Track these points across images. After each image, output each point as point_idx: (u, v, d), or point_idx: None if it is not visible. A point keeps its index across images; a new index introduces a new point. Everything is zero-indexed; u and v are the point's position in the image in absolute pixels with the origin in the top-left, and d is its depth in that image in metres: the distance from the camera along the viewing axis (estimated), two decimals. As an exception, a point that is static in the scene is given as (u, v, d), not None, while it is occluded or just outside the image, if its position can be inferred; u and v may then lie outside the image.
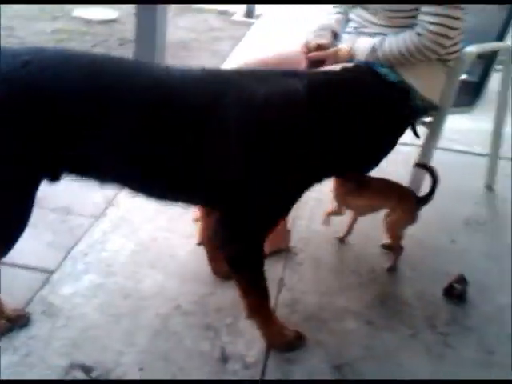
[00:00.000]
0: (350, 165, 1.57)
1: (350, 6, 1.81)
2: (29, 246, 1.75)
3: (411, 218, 1.82)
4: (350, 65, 1.60)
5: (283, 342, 1.50)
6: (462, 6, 1.62)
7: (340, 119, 1.43)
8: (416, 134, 1.63)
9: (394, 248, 1.88)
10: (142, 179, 1.37)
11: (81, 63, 1.29)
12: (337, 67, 1.58)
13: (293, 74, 1.45)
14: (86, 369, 1.37)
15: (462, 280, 1.77)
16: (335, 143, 1.44)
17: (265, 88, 1.36)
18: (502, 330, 1.64)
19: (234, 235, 1.41)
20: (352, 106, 1.45)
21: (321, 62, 1.74)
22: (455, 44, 1.71)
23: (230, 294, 1.67)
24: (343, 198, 1.84)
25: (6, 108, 1.17)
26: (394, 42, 1.65)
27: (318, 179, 1.52)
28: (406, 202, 1.81)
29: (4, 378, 1.33)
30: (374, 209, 1.87)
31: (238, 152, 1.32)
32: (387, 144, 1.62)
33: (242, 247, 1.41)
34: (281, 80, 1.40)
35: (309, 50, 1.77)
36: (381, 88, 1.60)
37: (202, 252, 1.72)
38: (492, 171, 2.42)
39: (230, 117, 1.31)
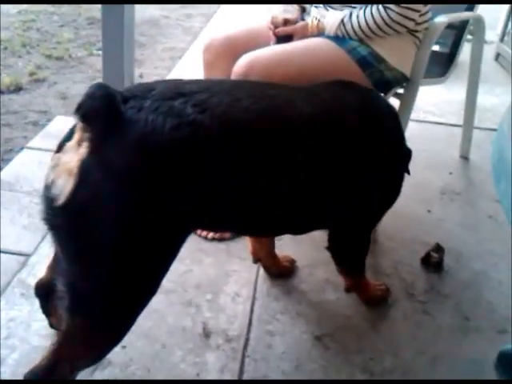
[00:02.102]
0: None
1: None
2: (4, 230, 1.73)
3: None
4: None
5: (379, 298, 1.61)
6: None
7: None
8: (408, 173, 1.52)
9: None
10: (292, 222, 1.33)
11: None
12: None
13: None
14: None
15: (438, 249, 1.80)
16: None
17: (379, 109, 1.39)
18: (478, 296, 1.68)
19: (348, 248, 1.51)
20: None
21: (289, 37, 1.73)
22: (424, 15, 1.71)
23: (208, 271, 1.68)
24: None
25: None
26: (362, 16, 1.64)
27: None
28: None
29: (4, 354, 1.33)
30: None
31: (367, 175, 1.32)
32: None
33: (356, 254, 1.53)
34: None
35: (276, 25, 1.75)
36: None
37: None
38: (467, 141, 2.44)
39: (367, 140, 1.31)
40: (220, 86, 1.15)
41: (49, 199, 0.99)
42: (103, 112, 0.96)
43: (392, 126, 1.43)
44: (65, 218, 0.98)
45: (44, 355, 1.07)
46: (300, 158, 1.19)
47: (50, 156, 1.04)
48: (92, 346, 1.09)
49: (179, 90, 1.06)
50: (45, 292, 1.25)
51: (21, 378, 1.25)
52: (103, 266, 1.00)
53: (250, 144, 1.11)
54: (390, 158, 1.37)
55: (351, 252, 1.53)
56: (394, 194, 1.47)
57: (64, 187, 0.96)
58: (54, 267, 1.19)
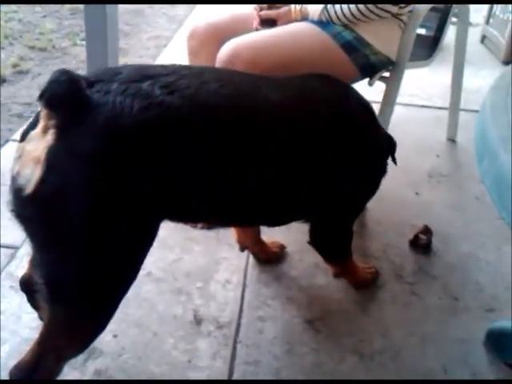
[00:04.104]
0: None
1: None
2: (-9, 223, 1.72)
3: None
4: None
5: (368, 280, 1.62)
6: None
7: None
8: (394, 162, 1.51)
9: None
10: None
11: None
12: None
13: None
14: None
15: (426, 231, 1.82)
16: None
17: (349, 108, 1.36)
18: (466, 277, 1.69)
19: (329, 241, 1.51)
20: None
21: (273, 21, 1.73)
22: (407, -2, 1.71)
23: (198, 259, 1.69)
24: None
25: None
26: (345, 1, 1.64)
27: None
28: None
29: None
30: None
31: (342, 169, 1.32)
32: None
33: (337, 246, 1.53)
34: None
35: (260, 8, 1.75)
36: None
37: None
38: (453, 124, 2.45)
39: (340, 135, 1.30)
40: (188, 70, 1.12)
41: (16, 190, 0.96)
42: (68, 97, 0.94)
43: (367, 119, 1.41)
44: (34, 208, 0.96)
45: (29, 349, 1.07)
46: (268, 147, 1.16)
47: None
48: (75, 335, 1.08)
49: (146, 73, 1.05)
50: (30, 286, 1.23)
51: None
52: (76, 252, 0.99)
53: (217, 129, 1.09)
54: (364, 151, 1.36)
55: (333, 244, 1.52)
56: (372, 187, 1.47)
57: (31, 176, 0.94)
58: (33, 261, 1.18)
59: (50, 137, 0.95)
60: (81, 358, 1.31)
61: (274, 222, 1.43)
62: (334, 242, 1.52)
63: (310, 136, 1.24)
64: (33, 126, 0.99)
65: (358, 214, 1.54)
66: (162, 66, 1.12)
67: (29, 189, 0.94)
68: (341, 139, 1.29)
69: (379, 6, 1.62)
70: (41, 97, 0.94)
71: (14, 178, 0.98)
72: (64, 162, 0.94)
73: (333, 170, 1.29)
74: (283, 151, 1.19)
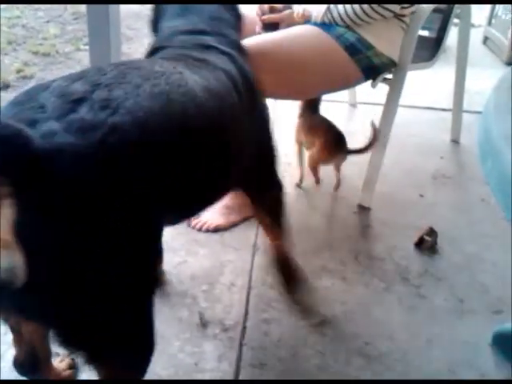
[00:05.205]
0: None
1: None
2: None
3: (325, 155, 1.97)
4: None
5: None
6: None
7: None
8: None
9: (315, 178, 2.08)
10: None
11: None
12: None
13: None
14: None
15: (431, 232, 1.81)
16: None
17: None
18: (472, 278, 1.69)
19: (274, 194, 1.50)
20: None
21: (275, 25, 1.73)
22: (409, -1, 1.72)
23: (203, 262, 1.69)
24: (298, 133, 2.07)
25: None
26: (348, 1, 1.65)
27: None
28: (326, 139, 1.95)
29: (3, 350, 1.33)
30: (311, 144, 2.03)
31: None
32: None
33: (281, 200, 1.52)
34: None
35: (263, 11, 1.75)
36: None
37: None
38: (457, 125, 2.46)
39: None
40: (106, 76, 0.94)
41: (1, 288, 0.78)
42: (18, 156, 0.74)
43: (252, 79, 1.34)
44: (31, 295, 0.80)
45: None
46: (211, 131, 1.08)
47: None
48: (133, 373, 1.02)
49: (73, 97, 0.86)
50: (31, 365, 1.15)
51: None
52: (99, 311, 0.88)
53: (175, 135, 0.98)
54: (261, 104, 1.35)
55: (278, 197, 1.50)
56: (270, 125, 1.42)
57: (13, 266, 0.74)
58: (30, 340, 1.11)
59: (8, 210, 0.74)
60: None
61: (211, 203, 1.35)
62: (278, 195, 1.50)
63: (233, 112, 1.18)
64: None
65: (276, 159, 1.49)
66: (80, 78, 0.92)
67: (18, 280, 0.75)
68: (246, 102, 1.24)
69: (381, 4, 1.62)
70: None
71: None
72: (40, 232, 0.78)
73: (250, 132, 1.26)
74: (219, 129, 1.13)
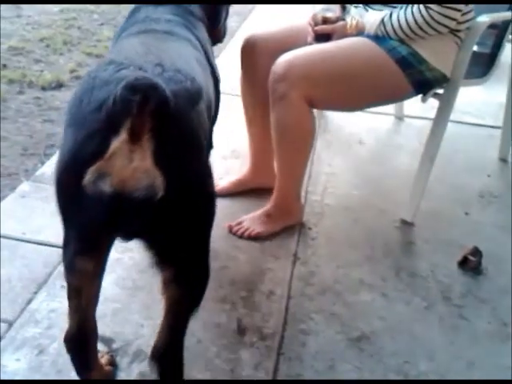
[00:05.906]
0: None
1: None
2: (46, 224, 1.78)
3: None
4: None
5: None
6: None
7: None
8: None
9: None
10: None
11: None
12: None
13: None
14: (106, 340, 1.39)
15: (476, 252, 1.77)
16: None
17: None
18: (517, 301, 1.65)
19: None
20: None
21: (327, 36, 1.73)
22: (466, 14, 1.69)
23: (243, 269, 1.69)
24: None
25: None
26: (403, 15, 1.63)
27: None
28: None
29: (28, 349, 1.36)
30: None
31: None
32: None
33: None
34: None
35: (315, 22, 1.75)
36: None
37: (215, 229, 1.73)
38: (505, 143, 2.40)
39: None
40: (149, 54, 1.18)
41: (132, 205, 0.92)
42: (159, 100, 0.91)
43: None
44: (166, 210, 0.96)
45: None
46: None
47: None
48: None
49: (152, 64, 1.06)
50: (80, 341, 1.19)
51: (61, 366, 1.29)
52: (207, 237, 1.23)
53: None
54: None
55: None
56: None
57: (152, 185, 0.92)
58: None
59: (146, 143, 0.91)
60: (127, 360, 1.35)
61: None
62: None
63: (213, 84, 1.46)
64: (105, 138, 0.92)
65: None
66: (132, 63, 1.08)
67: (158, 194, 0.92)
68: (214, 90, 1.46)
69: (437, 19, 1.59)
70: (131, 89, 0.89)
71: (117, 195, 0.92)
72: (178, 158, 0.97)
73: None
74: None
